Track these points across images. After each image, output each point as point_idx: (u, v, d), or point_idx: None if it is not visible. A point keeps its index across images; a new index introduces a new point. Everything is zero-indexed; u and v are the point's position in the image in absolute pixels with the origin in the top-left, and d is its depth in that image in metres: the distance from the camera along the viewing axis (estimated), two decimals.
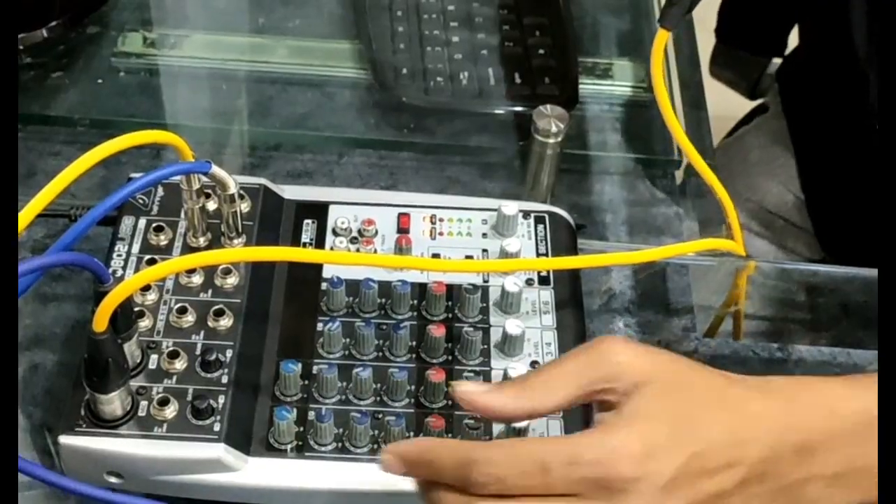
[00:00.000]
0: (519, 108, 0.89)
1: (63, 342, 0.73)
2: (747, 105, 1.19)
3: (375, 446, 0.62)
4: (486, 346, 0.66)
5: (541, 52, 0.93)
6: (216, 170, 0.64)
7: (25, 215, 0.57)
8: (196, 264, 0.64)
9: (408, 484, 0.56)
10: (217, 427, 0.61)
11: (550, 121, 0.78)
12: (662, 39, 0.72)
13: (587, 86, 0.93)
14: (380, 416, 0.63)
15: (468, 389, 0.55)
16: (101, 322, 0.57)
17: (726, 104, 1.14)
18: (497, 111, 0.90)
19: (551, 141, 0.79)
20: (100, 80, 0.91)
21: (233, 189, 0.66)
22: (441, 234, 0.72)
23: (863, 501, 0.56)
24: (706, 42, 1.10)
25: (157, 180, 0.62)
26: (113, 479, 0.61)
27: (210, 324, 0.65)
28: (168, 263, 0.61)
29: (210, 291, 0.66)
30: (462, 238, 0.72)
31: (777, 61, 1.15)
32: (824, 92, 1.01)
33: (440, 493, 0.53)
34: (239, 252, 0.67)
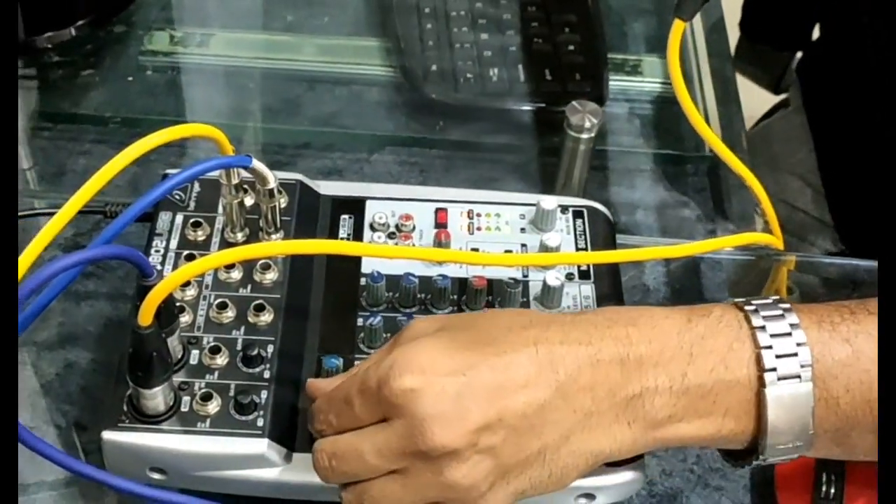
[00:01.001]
0: (548, 105, 0.89)
1: (97, 340, 0.73)
2: (772, 101, 1.19)
3: None
4: None
5: (570, 48, 0.92)
6: (257, 164, 0.63)
7: (69, 210, 0.57)
8: (244, 257, 0.64)
9: None
10: (261, 422, 0.60)
11: (584, 116, 0.78)
12: (678, 31, 0.71)
13: (616, 82, 0.93)
14: None
15: (312, 379, 0.61)
16: (146, 316, 0.56)
17: (752, 101, 1.13)
18: (526, 108, 0.90)
19: (584, 136, 0.79)
20: (129, 78, 0.91)
21: (272, 184, 0.65)
22: (479, 228, 0.71)
23: (713, 434, 0.56)
24: (731, 38, 1.09)
25: (198, 174, 0.61)
26: (156, 475, 0.60)
27: (250, 319, 0.64)
28: (217, 256, 0.60)
29: (249, 287, 0.66)
30: (500, 233, 0.71)
31: (800, 55, 1.15)
32: (844, 85, 1.01)
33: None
34: (282, 245, 0.66)
